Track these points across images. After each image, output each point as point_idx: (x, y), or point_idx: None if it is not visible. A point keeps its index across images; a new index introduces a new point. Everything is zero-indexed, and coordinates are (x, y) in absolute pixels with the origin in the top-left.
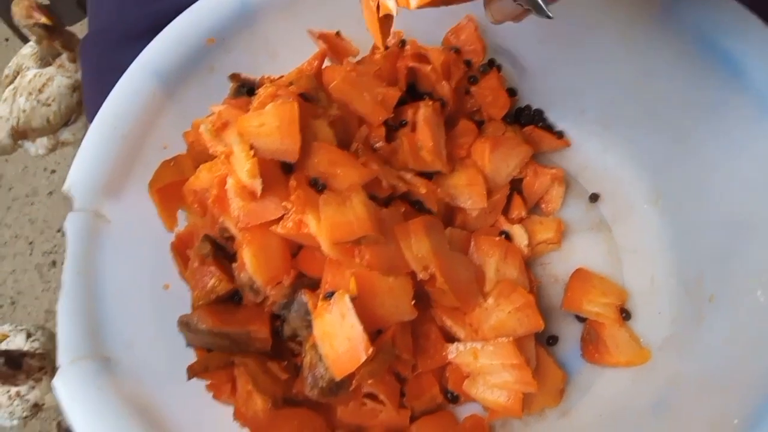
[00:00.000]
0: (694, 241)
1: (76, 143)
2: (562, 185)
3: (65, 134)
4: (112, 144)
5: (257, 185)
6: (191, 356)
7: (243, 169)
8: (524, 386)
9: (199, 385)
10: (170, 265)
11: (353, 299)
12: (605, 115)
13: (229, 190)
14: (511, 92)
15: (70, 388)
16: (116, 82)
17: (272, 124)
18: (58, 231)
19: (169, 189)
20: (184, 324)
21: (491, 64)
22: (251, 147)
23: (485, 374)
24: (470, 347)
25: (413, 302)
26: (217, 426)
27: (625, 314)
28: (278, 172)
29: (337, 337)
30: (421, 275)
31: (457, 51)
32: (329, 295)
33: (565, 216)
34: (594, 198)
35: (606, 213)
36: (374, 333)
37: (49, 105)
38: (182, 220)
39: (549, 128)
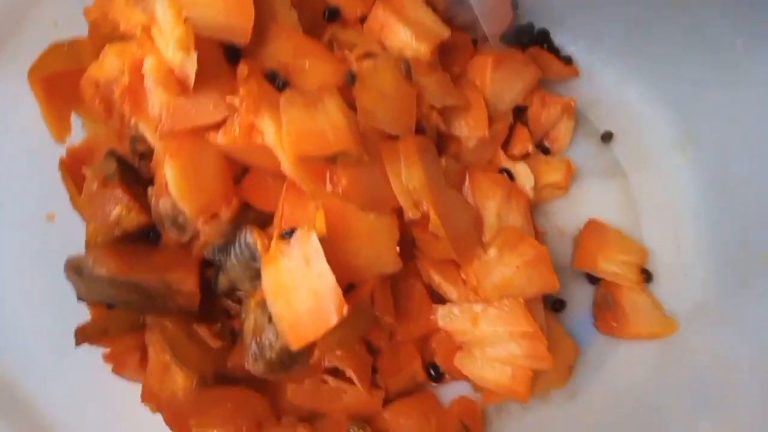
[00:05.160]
0: (732, 196)
1: None
2: (572, 119)
3: None
4: None
5: (190, 65)
6: (82, 314)
7: (170, 41)
8: (536, 361)
9: (90, 354)
10: (57, 188)
11: (322, 240)
12: (624, 40)
13: (148, 77)
14: (513, 4)
15: None
16: None
17: None
18: None
19: (60, 81)
20: (74, 268)
21: None
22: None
23: (485, 345)
24: (467, 310)
25: (398, 249)
26: (112, 411)
27: (646, 276)
28: (220, 60)
29: (298, 290)
30: (410, 213)
31: None
32: (288, 234)
33: (573, 157)
34: (607, 137)
35: (621, 156)
36: (345, 288)
37: None
38: (77, 130)
39: (555, 52)
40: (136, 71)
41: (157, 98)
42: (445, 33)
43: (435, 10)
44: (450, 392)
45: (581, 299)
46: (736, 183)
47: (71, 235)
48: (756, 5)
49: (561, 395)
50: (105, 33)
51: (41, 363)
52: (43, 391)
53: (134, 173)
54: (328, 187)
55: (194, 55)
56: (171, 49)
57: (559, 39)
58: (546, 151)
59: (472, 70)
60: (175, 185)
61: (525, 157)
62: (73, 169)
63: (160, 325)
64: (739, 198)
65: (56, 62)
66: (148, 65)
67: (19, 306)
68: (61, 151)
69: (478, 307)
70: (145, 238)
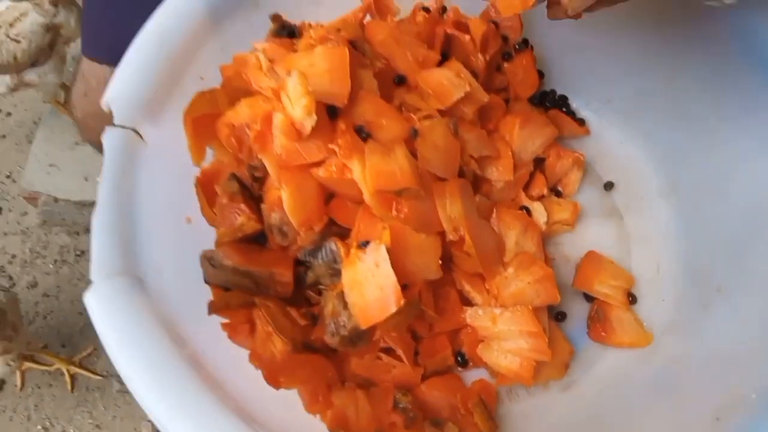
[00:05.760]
0: (704, 234)
1: (40, 86)
2: (581, 170)
3: (30, 75)
4: (154, 63)
5: (309, 123)
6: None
7: (297, 106)
8: (538, 354)
9: (217, 321)
10: (193, 199)
11: (387, 250)
12: (629, 107)
13: (276, 127)
14: (539, 74)
15: (102, 303)
16: (118, 15)
17: (322, 66)
18: (8, 176)
19: (203, 121)
20: (208, 259)
21: (526, 43)
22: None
23: (501, 339)
24: (489, 312)
25: (440, 262)
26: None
27: (631, 298)
28: (324, 116)
29: (369, 285)
30: (450, 236)
31: (496, 24)
32: (364, 244)
33: (579, 200)
34: (609, 186)
35: (619, 201)
36: (402, 287)
37: (18, 41)
38: (208, 157)
39: (572, 114)
40: (267, 121)
41: (280, 141)
42: (484, 98)
43: (476, 77)
44: (472, 376)
45: (579, 313)
46: (706, 227)
47: (202, 235)
48: (727, 90)
49: (558, 386)
50: (236, 86)
51: (193, 320)
52: (197, 339)
53: (249, 191)
54: (394, 213)
55: (314, 118)
56: (297, 112)
57: (575, 103)
58: (558, 194)
59: (503, 127)
60: (287, 203)
61: (541, 198)
62: (205, 186)
63: (265, 304)
64: (707, 239)
65: (201, 107)
66: (277, 120)
67: (174, 278)
68: (197, 172)
69: (497, 311)
70: (257, 240)
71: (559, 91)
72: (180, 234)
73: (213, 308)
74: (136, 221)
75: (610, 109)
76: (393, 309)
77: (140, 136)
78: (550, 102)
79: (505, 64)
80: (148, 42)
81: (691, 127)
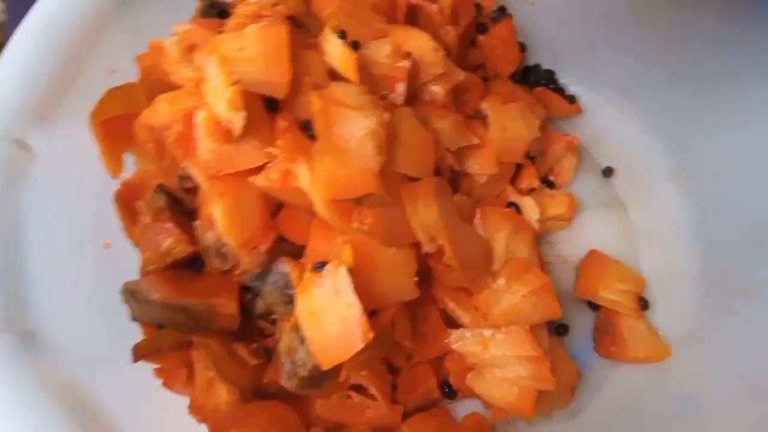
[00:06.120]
0: (723, 225)
1: None
2: (575, 155)
3: None
4: (45, 57)
5: (238, 121)
6: (136, 333)
7: (220, 99)
8: (540, 382)
9: (146, 369)
10: (112, 219)
11: (349, 272)
12: (625, 79)
13: (198, 128)
14: (521, 47)
15: None
16: None
17: (255, 49)
18: None
19: (116, 123)
20: (131, 293)
21: (502, 11)
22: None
23: (494, 366)
24: (478, 334)
25: (416, 279)
26: (166, 420)
27: (642, 303)
28: (260, 109)
29: (328, 317)
30: (426, 247)
31: None
32: (320, 266)
33: (575, 191)
34: (608, 172)
35: (621, 190)
36: (369, 314)
37: None
38: (129, 165)
39: (560, 91)
40: (188, 121)
41: (206, 145)
42: (459, 76)
43: (448, 54)
44: (462, 409)
45: (583, 324)
46: (724, 215)
47: (126, 263)
48: (745, 53)
49: (563, 413)
50: (156, 79)
51: (104, 376)
52: (107, 400)
53: (181, 207)
54: (355, 224)
55: (243, 113)
56: (222, 107)
57: (563, 79)
58: (551, 185)
59: (483, 110)
60: (221, 222)
61: (531, 191)
62: (126, 202)
63: (205, 344)
64: (727, 229)
65: (113, 107)
66: (199, 118)
67: (81, 324)
68: (116, 185)
69: (487, 332)
70: (191, 265)
71: (544, 66)
72: (95, 264)
73: (138, 353)
74: (24, 259)
75: (604, 83)
76: (359, 346)
77: (30, 147)
78: (534, 78)
79: (481, 37)
80: (34, 30)
81: (701, 99)
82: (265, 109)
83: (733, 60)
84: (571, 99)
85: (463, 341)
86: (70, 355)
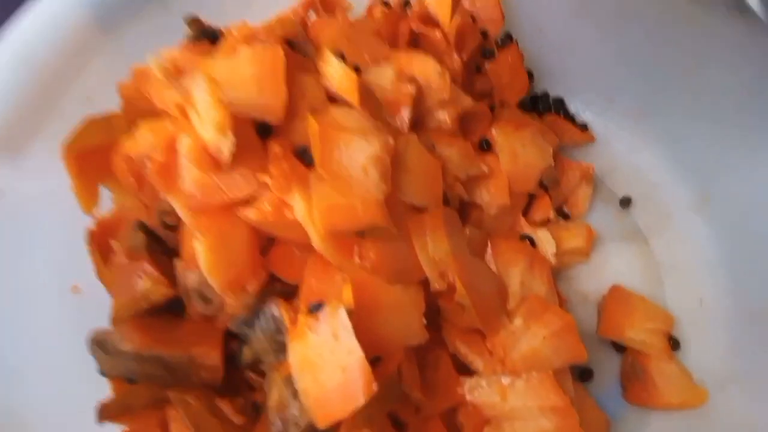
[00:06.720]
0: (752, 256)
1: None
2: (591, 184)
3: None
4: (16, 83)
5: (226, 146)
6: (106, 388)
7: (207, 123)
8: None
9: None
10: (83, 261)
11: (350, 314)
12: (639, 105)
13: (182, 156)
14: (529, 74)
15: None
16: None
17: (248, 71)
18: None
19: (91, 156)
20: (99, 343)
21: (509, 38)
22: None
23: (515, 419)
24: (495, 382)
25: (424, 321)
26: None
27: (673, 343)
28: (252, 136)
29: (326, 366)
30: (436, 284)
31: (472, 18)
32: (316, 308)
33: (592, 222)
34: (625, 203)
35: (640, 221)
36: (372, 361)
37: None
38: (105, 201)
39: (571, 119)
40: (170, 149)
41: (189, 175)
42: (466, 102)
43: (455, 81)
44: None
45: (608, 369)
46: (753, 245)
47: (96, 308)
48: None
49: None
50: (139, 109)
51: None
52: None
53: (161, 246)
54: (356, 260)
55: (231, 138)
56: (208, 131)
57: (573, 106)
58: (566, 217)
59: (492, 139)
60: (204, 261)
61: (546, 223)
62: (100, 241)
63: (183, 401)
64: (757, 260)
65: (90, 137)
66: (184, 145)
67: (40, 380)
68: (86, 222)
69: (506, 380)
70: (170, 310)
71: (553, 93)
72: (60, 311)
73: (104, 413)
74: None
75: (617, 110)
76: (362, 400)
77: None
78: (543, 106)
79: (487, 64)
80: (7, 53)
81: (721, 125)
82: (258, 135)
83: (756, 85)
84: (583, 127)
85: (478, 390)
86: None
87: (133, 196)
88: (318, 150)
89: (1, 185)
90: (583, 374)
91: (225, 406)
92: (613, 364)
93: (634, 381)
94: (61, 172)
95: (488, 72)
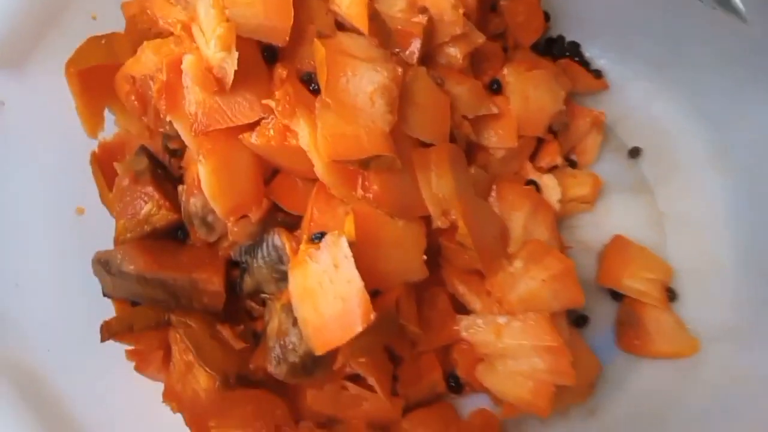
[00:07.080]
0: (765, 212)
1: None
2: (601, 133)
3: None
4: None
5: (230, 65)
6: (107, 310)
7: (212, 40)
8: (559, 376)
9: (117, 351)
10: (88, 183)
11: (351, 245)
12: (658, 53)
13: (186, 75)
14: (545, 16)
15: None
16: None
17: None
18: None
19: (96, 75)
20: (103, 263)
21: None
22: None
23: (508, 357)
24: (491, 321)
25: (425, 257)
26: (136, 408)
27: (670, 294)
28: (258, 60)
29: (325, 295)
30: (438, 221)
31: None
32: (318, 237)
33: (600, 172)
34: (635, 153)
35: (649, 172)
36: (371, 294)
37: None
38: (110, 125)
39: (585, 65)
40: (174, 68)
41: (193, 96)
42: (479, 39)
43: (468, 17)
44: (469, 404)
45: (604, 316)
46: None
47: (100, 230)
48: None
49: (581, 411)
50: (143, 29)
51: (67, 358)
52: (69, 385)
53: (165, 170)
54: (359, 192)
55: (235, 55)
56: (212, 48)
57: (589, 52)
58: (573, 165)
59: (503, 79)
60: (207, 185)
61: (552, 169)
62: (104, 164)
63: (184, 324)
64: None
65: (93, 56)
66: (187, 63)
67: (45, 300)
68: (92, 146)
69: (502, 319)
70: (173, 235)
71: (569, 37)
72: (64, 231)
73: (107, 331)
74: None
75: (634, 57)
76: (359, 328)
77: None
78: (558, 50)
79: (502, 2)
80: None
81: (745, 76)
82: (263, 60)
83: None
84: (597, 74)
85: (473, 329)
86: (26, 333)
87: (137, 119)
88: (324, 76)
89: (5, 96)
90: (578, 320)
91: (225, 332)
92: (609, 313)
93: (628, 328)
94: (65, 91)
95: (503, 10)
